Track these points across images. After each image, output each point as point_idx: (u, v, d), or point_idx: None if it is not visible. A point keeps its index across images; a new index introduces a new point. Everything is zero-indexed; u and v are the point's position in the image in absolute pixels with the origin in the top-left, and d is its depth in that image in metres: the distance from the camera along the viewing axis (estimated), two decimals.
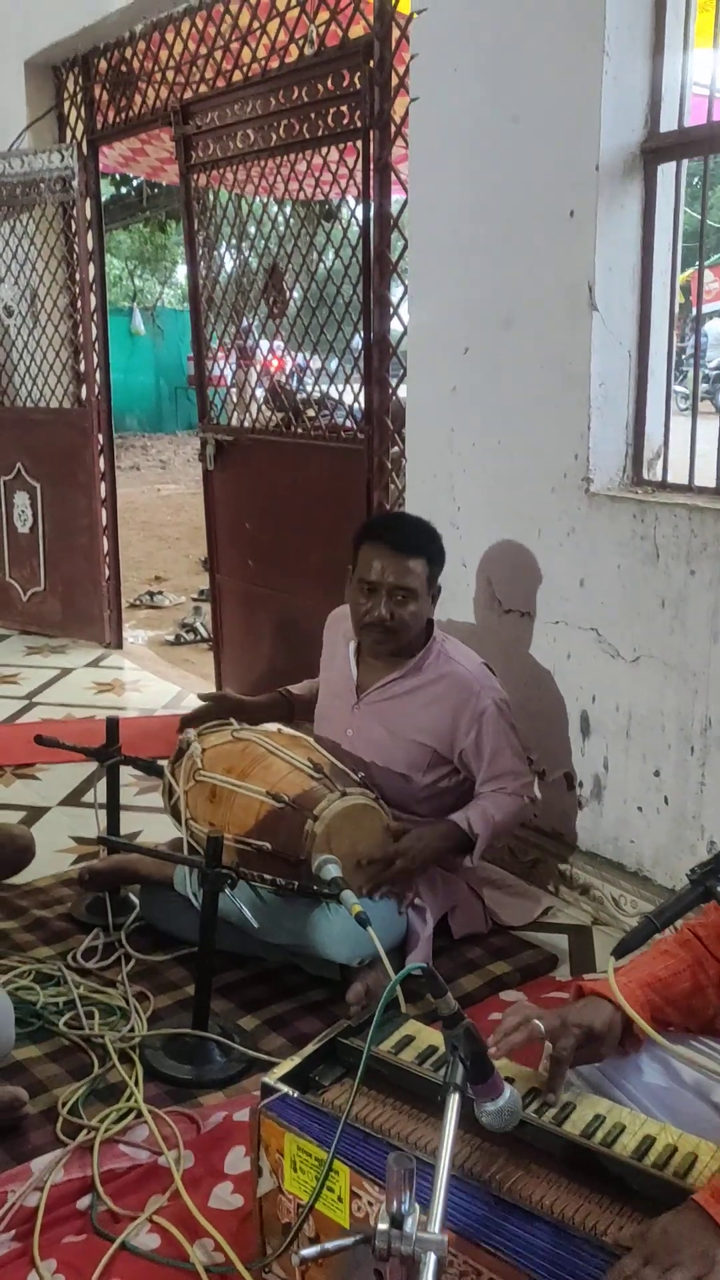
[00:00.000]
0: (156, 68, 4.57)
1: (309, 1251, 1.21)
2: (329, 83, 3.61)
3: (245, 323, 4.38)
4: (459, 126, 3.04)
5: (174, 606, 6.87)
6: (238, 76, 4.07)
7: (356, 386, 3.83)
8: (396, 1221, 1.18)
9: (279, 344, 4.32)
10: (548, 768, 3.03)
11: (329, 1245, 1.22)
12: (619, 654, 2.79)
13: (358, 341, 3.74)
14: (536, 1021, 1.59)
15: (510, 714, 2.70)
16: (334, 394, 4.22)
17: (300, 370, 4.29)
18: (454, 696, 2.65)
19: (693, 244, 3.50)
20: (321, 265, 3.87)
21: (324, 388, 4.43)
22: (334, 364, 3.94)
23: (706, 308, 12.76)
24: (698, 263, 2.98)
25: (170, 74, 4.48)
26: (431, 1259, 1.15)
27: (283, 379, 4.64)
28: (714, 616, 2.56)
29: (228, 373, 4.61)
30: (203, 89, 4.28)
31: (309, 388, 4.35)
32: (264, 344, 4.39)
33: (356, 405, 3.84)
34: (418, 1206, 1.19)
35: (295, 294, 4.06)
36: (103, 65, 4.94)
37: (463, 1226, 1.40)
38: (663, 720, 2.70)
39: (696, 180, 3.22)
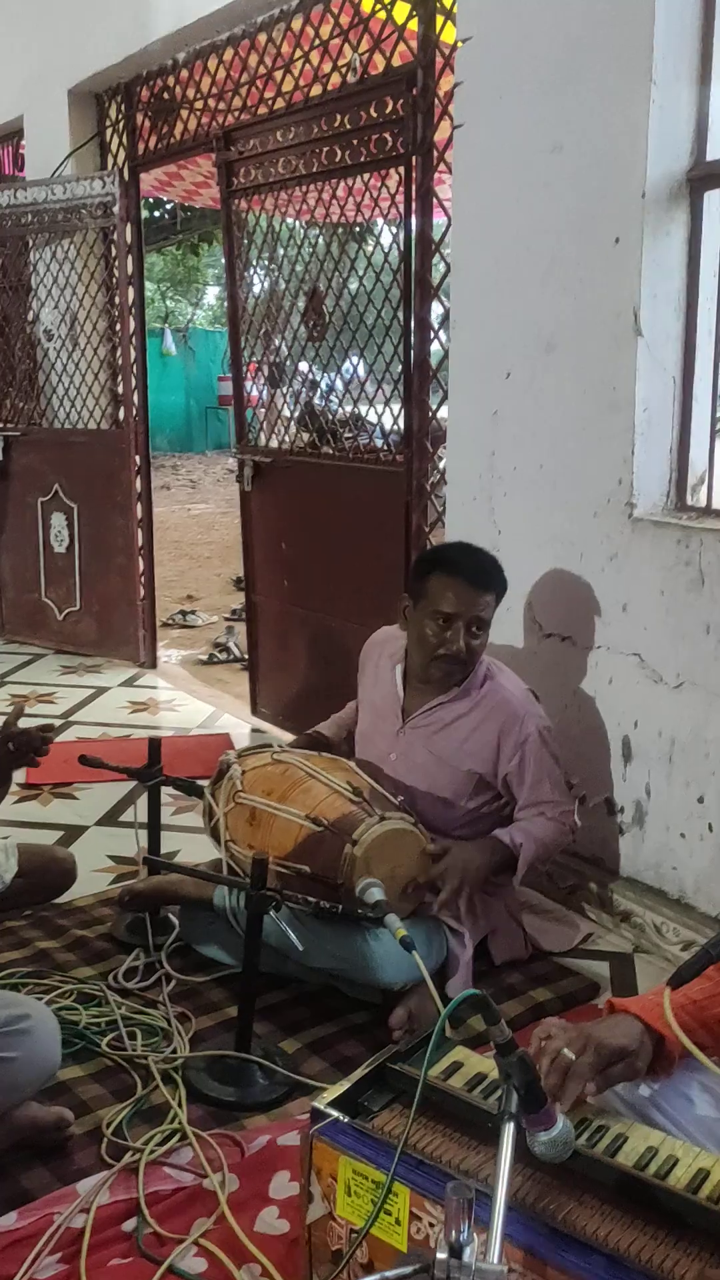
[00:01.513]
0: (198, 95, 4.62)
1: None
2: (371, 109, 3.65)
3: (283, 345, 4.42)
4: (503, 153, 3.06)
5: (206, 626, 6.89)
6: (279, 103, 4.12)
7: (395, 408, 3.84)
8: (455, 1251, 1.17)
9: (317, 366, 4.35)
10: (589, 793, 3.01)
11: (388, 1274, 1.21)
12: (662, 679, 2.78)
13: (397, 364, 3.76)
14: (566, 1051, 1.56)
15: (553, 743, 2.69)
16: (372, 416, 4.24)
17: (339, 392, 4.31)
18: (499, 721, 2.64)
19: None
20: (361, 288, 3.90)
21: (362, 409, 4.45)
22: (372, 386, 3.96)
23: None
24: None
25: (212, 101, 4.54)
26: None
27: (320, 401, 4.67)
28: None
29: (266, 394, 4.64)
30: (244, 116, 4.33)
31: (345, 409, 4.37)
32: (303, 365, 4.42)
33: (395, 427, 3.85)
34: (476, 1236, 1.19)
35: (334, 316, 4.08)
36: (145, 93, 5.01)
37: (529, 1246, 1.38)
38: (707, 747, 2.69)
39: None
